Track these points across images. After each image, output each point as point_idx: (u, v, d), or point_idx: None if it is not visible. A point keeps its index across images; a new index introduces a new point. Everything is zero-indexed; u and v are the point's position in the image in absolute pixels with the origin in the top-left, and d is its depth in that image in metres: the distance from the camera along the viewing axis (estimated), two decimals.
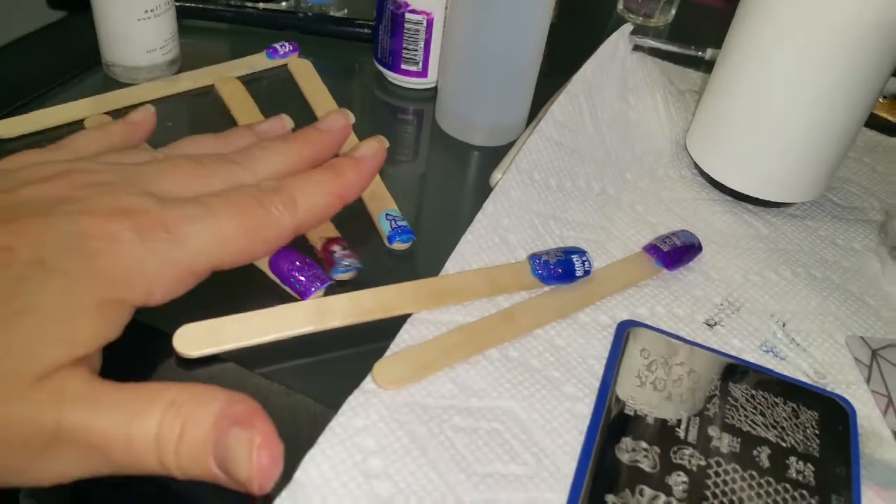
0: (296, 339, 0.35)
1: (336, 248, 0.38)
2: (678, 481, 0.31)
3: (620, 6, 0.69)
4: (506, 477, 0.31)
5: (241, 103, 0.49)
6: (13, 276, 0.27)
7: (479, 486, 0.30)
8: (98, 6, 0.47)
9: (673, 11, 0.68)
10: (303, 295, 0.36)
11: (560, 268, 0.39)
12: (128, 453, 0.25)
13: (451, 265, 0.39)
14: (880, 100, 0.60)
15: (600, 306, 0.39)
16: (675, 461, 0.32)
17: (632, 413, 0.34)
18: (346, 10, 0.62)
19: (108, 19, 0.47)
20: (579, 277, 0.40)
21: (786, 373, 0.37)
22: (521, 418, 0.33)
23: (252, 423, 0.25)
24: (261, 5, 0.59)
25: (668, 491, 0.31)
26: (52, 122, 0.45)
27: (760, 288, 0.42)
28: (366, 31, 0.57)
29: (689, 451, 0.33)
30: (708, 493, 0.31)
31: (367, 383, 0.33)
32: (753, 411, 0.35)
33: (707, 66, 0.61)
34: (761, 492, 0.32)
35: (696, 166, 0.48)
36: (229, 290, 0.36)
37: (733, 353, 0.38)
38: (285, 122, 0.42)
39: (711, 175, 0.47)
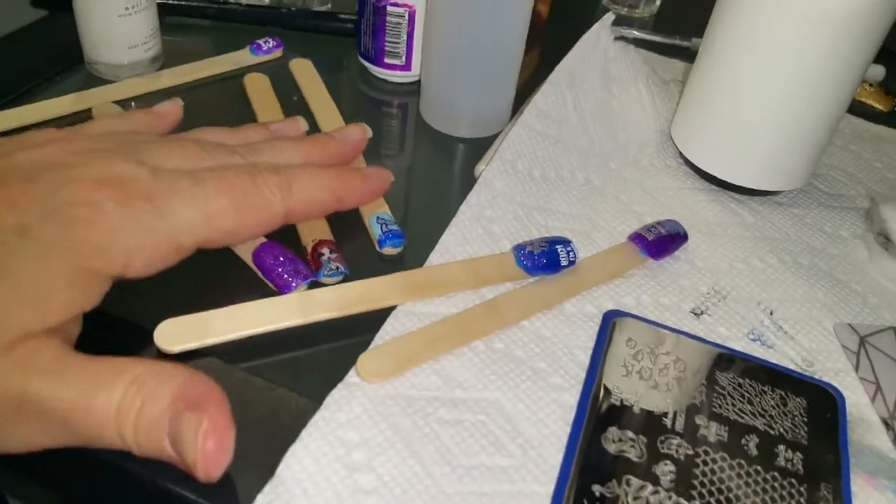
0: (279, 333, 0.34)
1: (325, 250, 0.38)
2: (665, 471, 0.31)
3: None
4: (491, 469, 0.30)
5: (264, 101, 0.49)
6: None
7: (464, 479, 0.30)
8: (79, 3, 0.47)
9: (658, 2, 0.68)
10: (283, 289, 0.36)
11: (544, 258, 0.39)
12: (89, 424, 0.25)
13: (436, 257, 0.39)
14: (866, 87, 0.60)
15: (586, 296, 0.39)
16: (662, 451, 0.32)
17: (618, 403, 0.34)
18: (329, 5, 0.61)
19: (90, 16, 0.47)
20: (564, 267, 0.39)
21: (773, 361, 0.37)
22: (507, 410, 0.33)
23: (205, 406, 0.25)
24: (244, 1, 0.59)
25: (655, 480, 0.31)
26: (32, 118, 0.45)
27: (747, 276, 0.42)
28: (349, 25, 0.57)
29: (676, 440, 0.32)
30: (696, 482, 0.31)
31: (351, 377, 0.33)
32: (741, 400, 0.35)
33: (692, 56, 0.61)
34: (749, 480, 0.31)
35: (681, 155, 0.48)
36: (210, 282, 0.36)
37: (720, 341, 0.38)
38: (300, 124, 0.43)
39: (696, 164, 0.47)
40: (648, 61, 0.54)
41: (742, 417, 0.34)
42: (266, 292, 0.36)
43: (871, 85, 0.60)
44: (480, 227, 0.41)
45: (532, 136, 0.45)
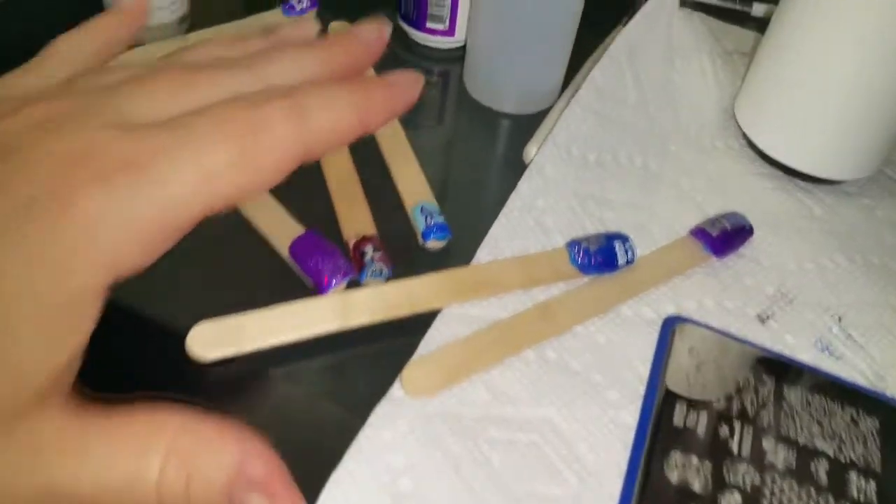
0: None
1: (368, 248, 0.35)
2: (732, 501, 0.29)
3: None
4: (547, 498, 0.28)
5: None
6: None
7: None
8: None
9: None
10: (322, 287, 0.34)
11: (601, 256, 0.36)
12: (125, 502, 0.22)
13: (483, 253, 0.37)
14: None
15: (644, 298, 0.36)
16: (728, 479, 0.30)
17: (680, 424, 0.31)
18: None
19: None
20: (621, 266, 0.37)
21: (842, 374, 0.35)
22: (562, 429, 0.31)
23: (273, 487, 0.22)
24: None
25: None
26: None
27: (815, 277, 0.39)
28: None
29: (742, 466, 0.30)
30: None
31: (396, 391, 0.31)
32: (809, 419, 0.32)
33: (755, 23, 0.57)
34: None
35: (745, 136, 0.45)
36: (241, 276, 0.34)
37: (787, 351, 0.35)
38: (309, 26, 0.34)
39: (761, 148, 0.44)
40: (712, 30, 0.50)
41: (811, 440, 0.32)
42: (297, 290, 0.34)
43: None
44: (531, 219, 0.38)
45: (588, 116, 0.42)
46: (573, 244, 0.37)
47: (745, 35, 0.55)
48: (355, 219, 0.38)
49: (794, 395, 0.33)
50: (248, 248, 0.36)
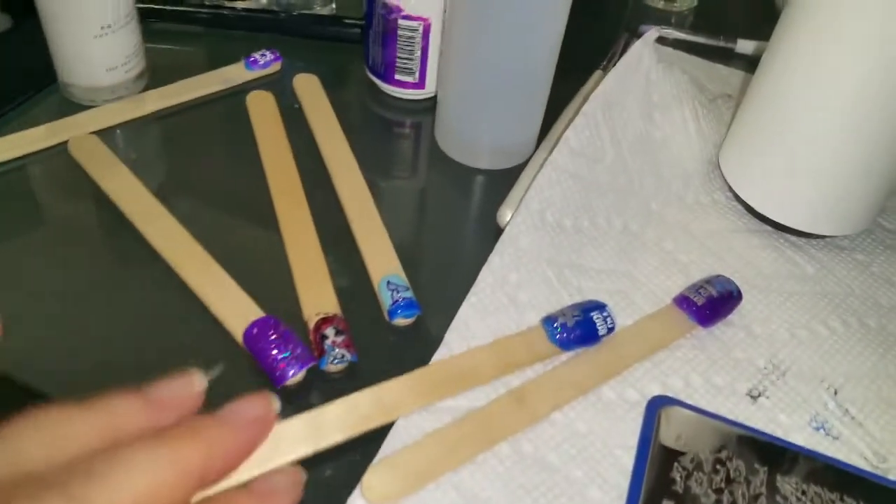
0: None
1: (329, 331, 0.33)
2: None
3: None
4: None
5: (267, 120, 0.44)
6: None
7: None
8: (48, 24, 0.41)
9: None
10: (276, 380, 0.31)
11: (580, 329, 0.34)
12: None
13: (453, 336, 0.34)
14: None
15: (627, 377, 0.34)
16: None
17: None
18: (333, 6, 0.55)
19: (60, 38, 0.41)
20: (602, 337, 0.34)
21: (840, 456, 0.32)
22: None
23: None
24: (239, 5, 0.53)
25: None
26: (3, 155, 0.40)
27: (808, 346, 0.36)
28: (355, 30, 0.51)
29: None
30: None
31: (356, 499, 0.28)
32: None
33: (741, 61, 0.54)
34: None
35: (730, 189, 0.43)
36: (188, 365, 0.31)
37: (781, 432, 0.33)
38: (198, 384, 0.25)
39: (748, 202, 0.42)
40: (694, 77, 0.47)
41: None
42: (260, 378, 0.32)
43: None
44: (504, 296, 0.36)
45: (563, 178, 0.40)
46: (549, 321, 0.34)
47: (732, 75, 0.53)
48: (316, 295, 0.35)
49: (788, 485, 0.31)
50: (201, 332, 0.34)
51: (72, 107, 0.44)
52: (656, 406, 0.33)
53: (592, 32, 0.54)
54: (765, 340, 0.36)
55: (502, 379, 0.33)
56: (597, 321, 0.34)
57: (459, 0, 0.39)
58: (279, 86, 0.48)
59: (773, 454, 0.32)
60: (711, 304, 0.36)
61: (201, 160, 0.43)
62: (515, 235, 0.37)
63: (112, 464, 0.21)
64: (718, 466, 0.31)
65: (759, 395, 0.34)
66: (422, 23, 0.43)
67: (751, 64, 0.41)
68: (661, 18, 0.57)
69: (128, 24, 0.42)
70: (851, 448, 0.33)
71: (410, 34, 0.44)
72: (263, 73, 0.48)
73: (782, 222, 0.41)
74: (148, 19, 0.50)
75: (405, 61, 0.45)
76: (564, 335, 0.34)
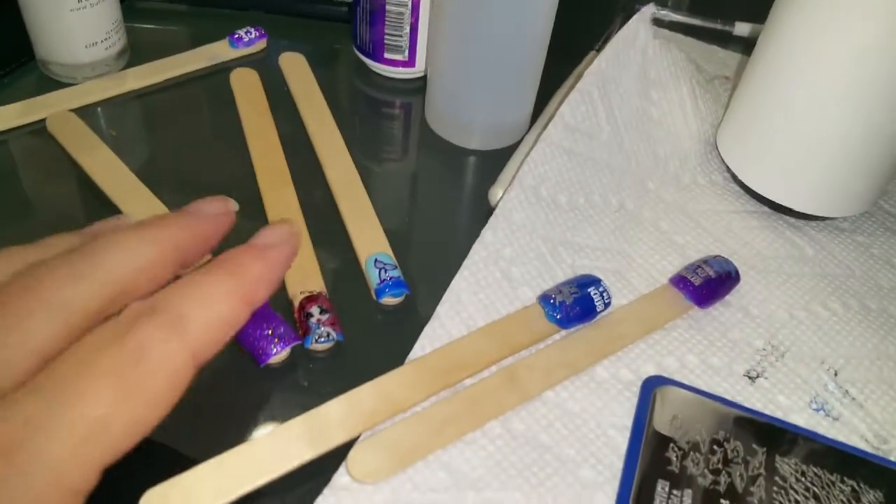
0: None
1: (314, 309, 0.32)
2: None
3: None
4: None
5: (252, 102, 0.43)
6: None
7: None
8: None
9: None
10: (259, 358, 0.30)
11: (577, 306, 0.33)
12: None
13: (444, 308, 0.33)
14: None
15: (621, 357, 0.33)
16: None
17: None
18: None
19: (37, 12, 0.40)
20: (600, 313, 0.33)
21: (840, 437, 0.31)
22: None
23: None
24: None
25: None
26: None
27: (808, 327, 0.35)
28: (343, 8, 0.50)
29: None
30: None
31: (341, 477, 0.27)
32: (805, 494, 0.29)
33: (739, 44, 0.54)
34: None
35: (729, 170, 0.42)
36: None
37: (780, 413, 0.32)
38: (129, 218, 0.30)
39: (746, 182, 0.41)
40: (691, 56, 0.46)
41: None
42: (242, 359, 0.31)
43: None
44: (497, 271, 0.35)
45: (558, 154, 0.39)
46: (546, 299, 0.33)
47: (729, 57, 0.52)
48: (301, 273, 0.34)
49: (787, 465, 0.30)
50: None
51: (52, 85, 0.43)
52: (651, 386, 0.32)
53: (587, 14, 0.53)
54: (763, 321, 0.35)
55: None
56: (594, 297, 0.33)
57: None
58: (265, 64, 0.47)
59: (771, 435, 0.31)
60: (709, 284, 0.35)
61: (184, 138, 0.42)
62: (509, 211, 0.36)
63: (107, 245, 0.24)
64: (716, 447, 0.30)
65: (758, 377, 0.33)
66: None
67: (748, 46, 0.40)
68: (658, 0, 0.56)
69: None
70: (852, 429, 0.32)
71: (399, 10, 0.43)
72: (248, 51, 0.47)
73: (781, 203, 0.40)
74: None
75: (394, 38, 0.44)
76: (564, 314, 0.33)
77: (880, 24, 0.33)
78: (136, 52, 0.45)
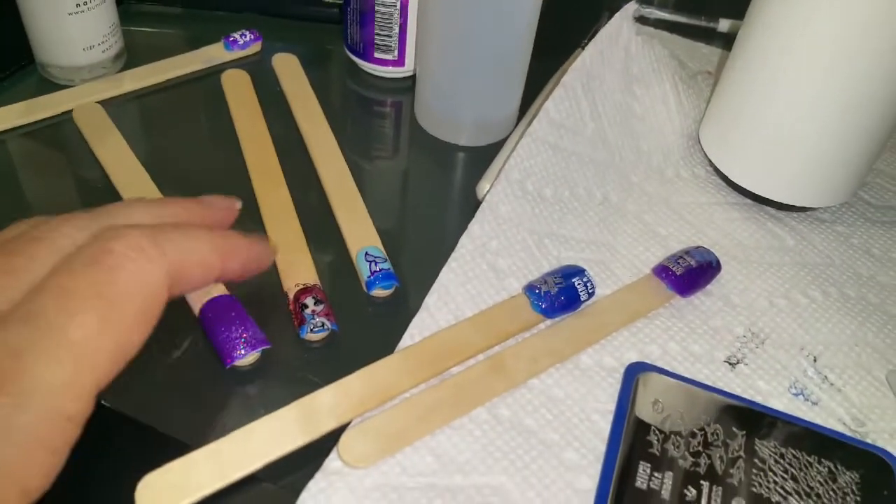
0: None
1: (309, 300, 0.33)
2: None
3: None
4: None
5: (243, 102, 0.44)
6: None
7: None
8: (23, 1, 0.41)
9: None
10: (226, 359, 0.31)
11: (562, 296, 0.34)
12: None
13: (433, 299, 0.34)
14: None
15: (605, 345, 0.34)
16: None
17: (644, 486, 0.29)
18: None
19: (36, 16, 0.41)
20: (584, 302, 0.34)
21: (819, 421, 0.32)
22: (515, 499, 0.28)
23: None
24: None
25: None
26: None
27: (787, 314, 0.36)
28: (334, 10, 0.51)
29: None
30: None
31: (332, 461, 0.28)
32: (784, 475, 0.30)
33: (722, 40, 0.55)
34: None
35: (711, 163, 0.43)
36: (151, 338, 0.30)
37: (760, 398, 0.33)
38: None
39: (728, 175, 0.42)
40: (672, 49, 0.47)
41: (786, 499, 0.29)
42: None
43: None
44: (484, 263, 0.36)
45: (543, 149, 0.40)
46: (531, 289, 0.34)
47: (712, 53, 0.53)
48: (296, 267, 0.35)
49: (766, 448, 0.31)
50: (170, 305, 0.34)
51: (51, 87, 0.43)
52: (634, 372, 0.33)
53: (574, 11, 0.54)
54: (744, 309, 0.36)
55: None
56: (578, 287, 0.34)
57: None
58: (259, 66, 0.48)
59: (751, 419, 0.32)
60: (690, 273, 0.36)
61: (180, 139, 0.43)
62: (496, 204, 0.37)
63: (112, 210, 0.26)
64: (696, 431, 0.31)
65: (738, 363, 0.34)
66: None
67: (730, 42, 0.41)
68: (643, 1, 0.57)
69: (104, 2, 0.42)
70: (830, 413, 0.33)
71: (388, 10, 0.44)
72: (243, 53, 0.48)
73: (762, 194, 0.41)
74: (127, 0, 0.50)
75: (384, 39, 0.45)
76: (548, 303, 0.34)
77: (857, 17, 0.34)
78: (132, 55, 0.47)
